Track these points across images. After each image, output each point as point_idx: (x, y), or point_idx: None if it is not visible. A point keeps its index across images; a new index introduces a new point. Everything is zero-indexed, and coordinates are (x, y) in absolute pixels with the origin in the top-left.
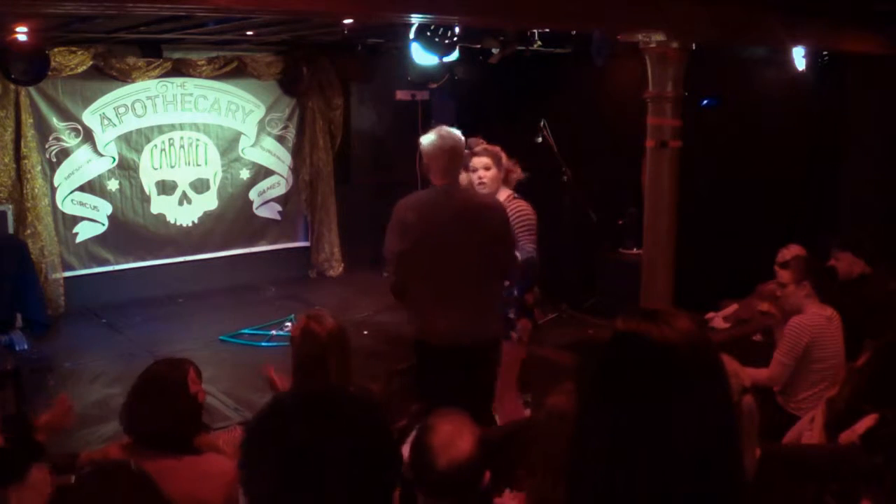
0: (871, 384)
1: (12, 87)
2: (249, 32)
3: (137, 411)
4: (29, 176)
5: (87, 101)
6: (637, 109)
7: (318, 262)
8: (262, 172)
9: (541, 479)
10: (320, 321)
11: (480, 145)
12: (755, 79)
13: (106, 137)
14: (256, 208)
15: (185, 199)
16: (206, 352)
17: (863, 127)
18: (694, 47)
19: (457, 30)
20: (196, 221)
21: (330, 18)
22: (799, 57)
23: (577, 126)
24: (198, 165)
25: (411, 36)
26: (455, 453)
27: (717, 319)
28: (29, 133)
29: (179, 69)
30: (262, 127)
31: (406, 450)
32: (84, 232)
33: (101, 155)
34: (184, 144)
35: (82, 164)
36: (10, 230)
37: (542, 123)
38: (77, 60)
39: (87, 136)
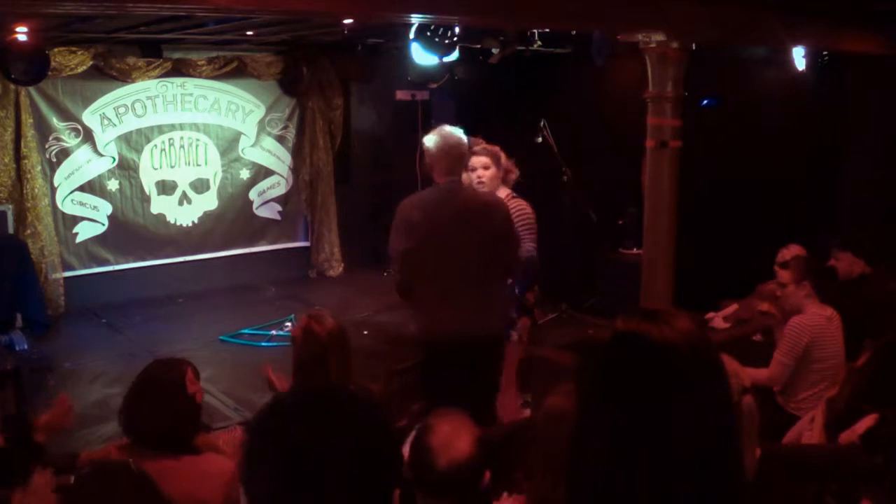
0: (871, 384)
1: (12, 87)
2: (249, 32)
3: (135, 412)
4: (29, 176)
5: (87, 101)
6: (637, 109)
7: (318, 262)
8: (262, 172)
9: (541, 479)
10: (321, 321)
11: (479, 145)
12: (755, 79)
13: (106, 137)
14: (256, 208)
15: (185, 199)
16: (206, 352)
17: (863, 127)
18: (694, 47)
19: (457, 30)
20: (196, 221)
21: (330, 18)
22: (799, 57)
23: (577, 126)
24: (198, 165)
25: (411, 36)
26: (454, 453)
27: (717, 319)
28: (29, 133)
29: (179, 69)
30: (262, 127)
31: (406, 450)
32: (84, 232)
33: (101, 155)
34: (184, 144)
35: (82, 164)
36: (10, 230)
37: (542, 123)
38: (77, 60)
39: (87, 136)
